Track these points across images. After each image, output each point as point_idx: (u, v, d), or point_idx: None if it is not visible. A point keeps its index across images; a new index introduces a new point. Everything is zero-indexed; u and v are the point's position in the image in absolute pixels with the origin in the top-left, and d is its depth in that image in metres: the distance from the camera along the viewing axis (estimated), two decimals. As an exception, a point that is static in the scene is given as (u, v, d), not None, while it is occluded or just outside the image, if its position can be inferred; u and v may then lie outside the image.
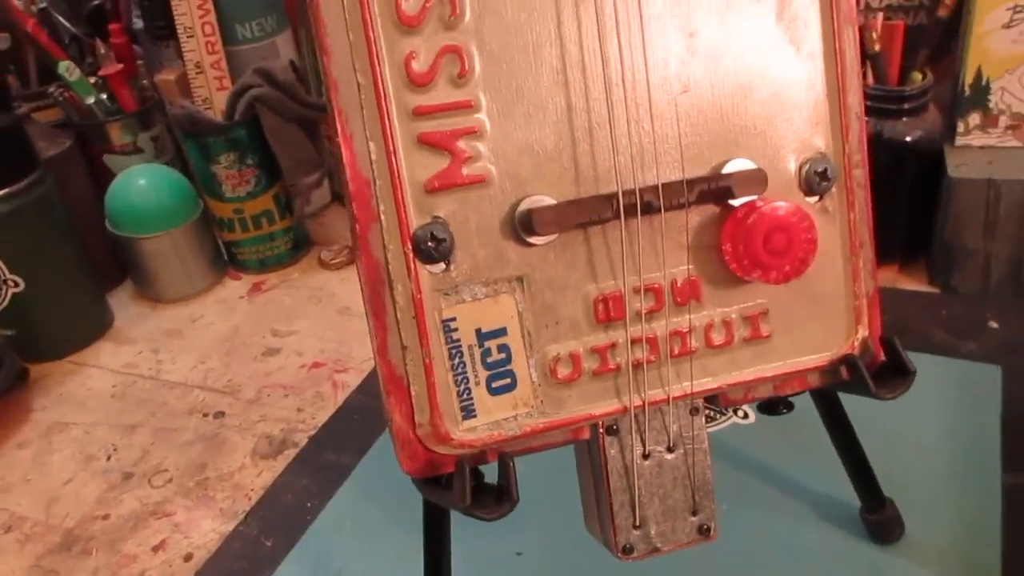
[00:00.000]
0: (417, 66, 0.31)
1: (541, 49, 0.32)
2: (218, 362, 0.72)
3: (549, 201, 0.32)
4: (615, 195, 0.32)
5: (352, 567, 0.50)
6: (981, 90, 0.63)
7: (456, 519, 0.38)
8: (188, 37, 0.77)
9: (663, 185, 0.33)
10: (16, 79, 0.81)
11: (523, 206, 0.32)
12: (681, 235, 0.34)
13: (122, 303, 0.81)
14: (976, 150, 0.65)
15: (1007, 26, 0.61)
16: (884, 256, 0.53)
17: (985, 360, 0.58)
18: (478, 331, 0.33)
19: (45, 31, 0.77)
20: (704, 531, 0.36)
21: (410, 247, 0.32)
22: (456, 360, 0.33)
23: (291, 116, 0.77)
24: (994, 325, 0.62)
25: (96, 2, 0.86)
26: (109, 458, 0.63)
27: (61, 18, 0.85)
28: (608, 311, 0.34)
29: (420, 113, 0.31)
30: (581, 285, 0.33)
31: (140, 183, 0.77)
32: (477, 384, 0.33)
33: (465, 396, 0.33)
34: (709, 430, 0.36)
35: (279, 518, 0.55)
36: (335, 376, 0.68)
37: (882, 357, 0.37)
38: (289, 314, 0.77)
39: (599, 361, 0.34)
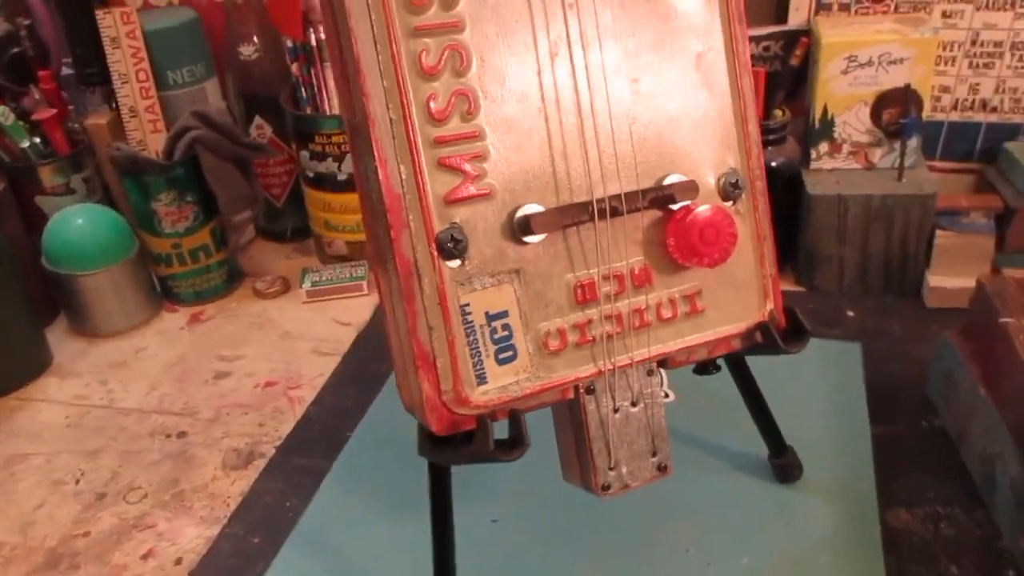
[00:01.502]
0: (436, 105, 0.39)
1: (528, 92, 0.41)
2: (171, 387, 0.75)
3: (539, 209, 0.41)
4: (590, 202, 0.42)
5: (349, 549, 0.56)
6: (827, 124, 0.78)
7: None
8: (123, 83, 0.82)
9: (625, 194, 0.42)
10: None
11: (519, 213, 0.41)
12: (636, 233, 0.44)
13: (59, 339, 0.83)
14: (827, 172, 0.79)
15: (844, 72, 0.76)
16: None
17: (847, 340, 0.71)
18: (487, 313, 0.41)
19: (-23, 78, 0.80)
20: (662, 468, 0.45)
21: (434, 247, 0.40)
22: (471, 337, 0.41)
23: (227, 155, 0.82)
24: (851, 314, 0.76)
25: (16, 50, 0.88)
26: (78, 482, 0.66)
27: (-19, 66, 0.86)
28: (585, 294, 0.43)
29: (439, 142, 0.40)
30: (563, 274, 0.43)
31: (78, 222, 0.79)
32: (487, 356, 0.41)
33: (479, 367, 0.41)
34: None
35: (261, 518, 0.60)
36: (289, 392, 0.74)
37: (783, 323, 0.47)
38: (233, 340, 0.81)
39: (579, 334, 0.43)
